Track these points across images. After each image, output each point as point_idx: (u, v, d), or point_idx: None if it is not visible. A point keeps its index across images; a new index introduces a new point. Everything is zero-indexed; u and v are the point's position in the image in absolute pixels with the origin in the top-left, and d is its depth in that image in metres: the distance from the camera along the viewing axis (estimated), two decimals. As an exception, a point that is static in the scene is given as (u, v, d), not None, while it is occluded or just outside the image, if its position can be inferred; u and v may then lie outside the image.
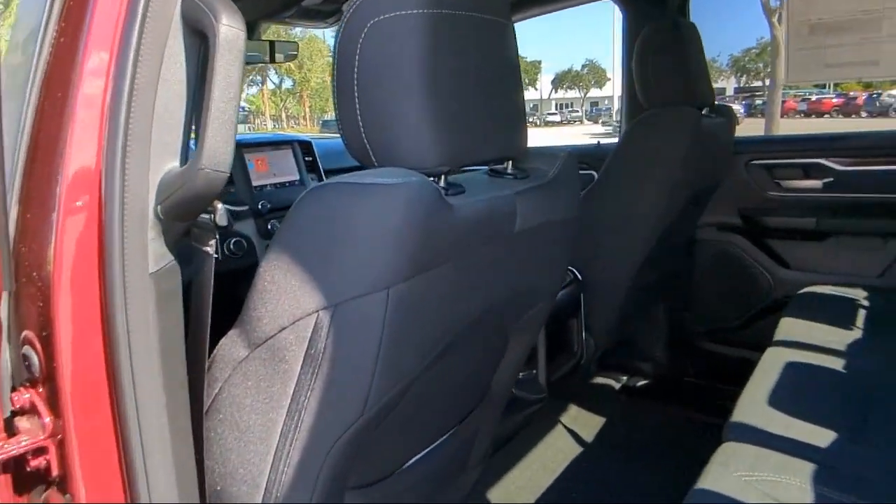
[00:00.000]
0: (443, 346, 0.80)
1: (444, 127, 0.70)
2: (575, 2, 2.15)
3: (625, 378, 2.08)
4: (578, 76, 37.09)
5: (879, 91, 21.40)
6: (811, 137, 1.98)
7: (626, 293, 1.63)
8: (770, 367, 1.26)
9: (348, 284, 0.65)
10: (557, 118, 35.43)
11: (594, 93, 37.86)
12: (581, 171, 2.23)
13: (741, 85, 30.06)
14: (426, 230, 0.66)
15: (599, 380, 2.06)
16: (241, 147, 1.65)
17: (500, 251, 0.82)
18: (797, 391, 1.16)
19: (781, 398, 1.13)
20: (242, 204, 1.58)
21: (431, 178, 0.69)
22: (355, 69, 0.69)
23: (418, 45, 0.68)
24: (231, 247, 1.56)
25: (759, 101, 23.18)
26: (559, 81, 38.36)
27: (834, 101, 22.77)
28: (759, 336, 1.91)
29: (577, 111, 37.39)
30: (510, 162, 0.88)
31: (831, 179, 1.84)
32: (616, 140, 1.84)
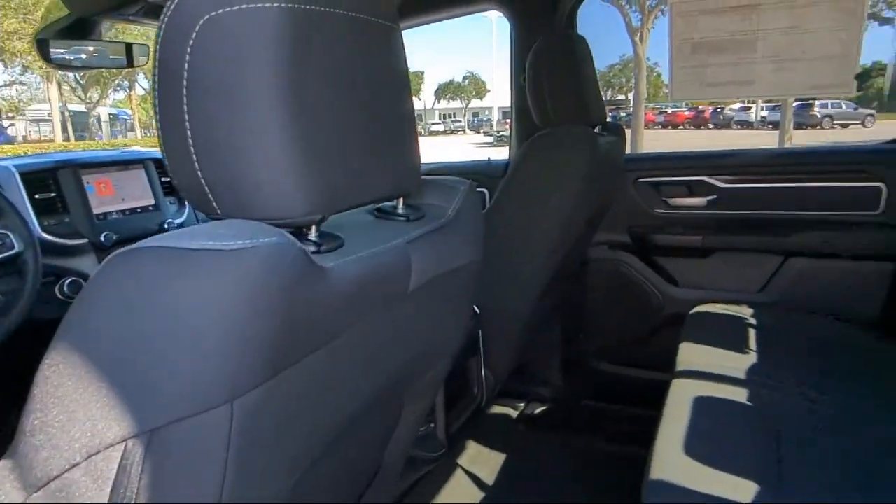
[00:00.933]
0: (321, 448, 0.60)
1: (314, 159, 0.51)
2: (459, 12, 2.00)
3: (522, 405, 1.95)
4: (460, 87, 37.70)
5: (722, 106, 23.37)
6: (696, 155, 1.96)
7: (525, 322, 1.50)
8: (679, 404, 1.16)
9: (170, 402, 0.43)
10: (441, 127, 35.74)
11: (475, 103, 38.64)
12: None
13: (607, 98, 31.89)
14: (287, 312, 0.46)
15: (496, 409, 1.92)
16: (78, 167, 1.34)
17: (391, 317, 0.63)
18: (711, 434, 1.06)
19: (697, 444, 1.02)
20: (79, 236, 1.28)
21: (299, 231, 0.50)
22: (184, 82, 0.48)
23: (276, 49, 0.48)
24: (65, 289, 1.27)
25: (623, 114, 24.64)
26: (442, 92, 38.80)
27: (686, 114, 24.62)
28: (652, 354, 1.85)
29: (460, 121, 37.96)
30: (401, 199, 0.69)
31: (715, 197, 1.81)
32: (501, 150, 1.70)
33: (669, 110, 24.93)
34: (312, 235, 0.54)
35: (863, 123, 19.35)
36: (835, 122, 19.28)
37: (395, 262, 0.61)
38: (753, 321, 1.55)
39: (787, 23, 1.73)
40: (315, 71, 0.51)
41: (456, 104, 39.52)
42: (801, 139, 14.88)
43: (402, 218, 0.68)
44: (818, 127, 19.04)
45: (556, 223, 1.40)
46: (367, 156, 0.58)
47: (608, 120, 1.67)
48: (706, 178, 1.82)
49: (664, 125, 24.43)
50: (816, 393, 1.18)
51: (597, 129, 1.56)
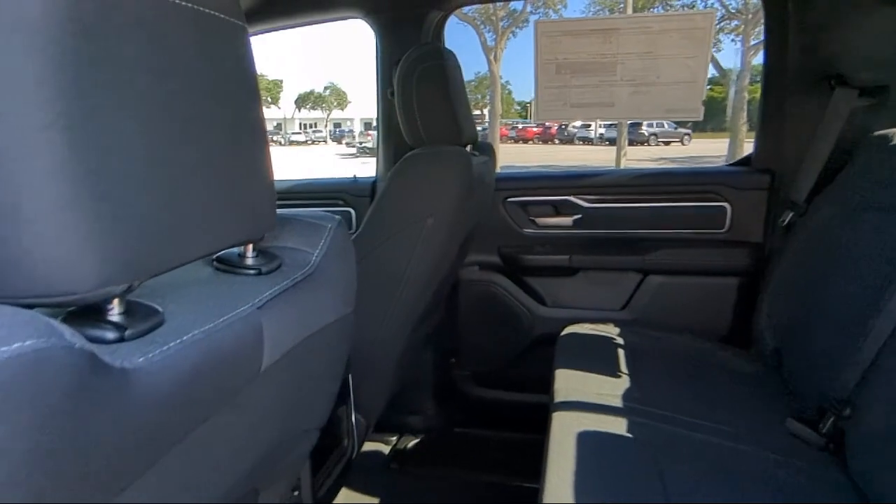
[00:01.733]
0: None
1: (112, 202, 0.33)
2: (318, 18, 1.82)
3: (394, 439, 1.79)
4: (321, 97, 36.84)
5: (566, 123, 24.97)
6: (562, 175, 1.92)
7: (399, 357, 1.34)
8: (563, 441, 1.07)
9: None
10: (302, 137, 34.64)
11: (337, 114, 37.96)
12: (338, 209, 1.91)
13: (464, 113, 32.76)
14: (65, 452, 0.27)
15: (368, 446, 1.75)
16: None
17: (238, 408, 0.45)
18: (598, 476, 0.97)
19: (585, 490, 0.93)
20: None
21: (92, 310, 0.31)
22: None
23: (47, 42, 0.31)
24: None
25: (479, 128, 25.43)
26: (302, 101, 37.67)
27: (535, 129, 25.95)
28: (524, 376, 1.78)
29: (321, 131, 37.04)
30: (250, 245, 0.50)
31: (580, 216, 1.78)
32: (367, 160, 1.54)
33: (520, 126, 26.13)
34: (114, 314, 0.35)
35: (681, 141, 21.58)
36: (659, 139, 21.32)
37: (241, 338, 0.43)
38: (620, 341, 1.53)
39: (643, 48, 1.74)
40: (113, 75, 0.32)
41: (317, 114, 38.61)
42: (634, 154, 16.23)
43: (251, 271, 0.50)
44: (646, 144, 20.95)
45: (432, 250, 1.26)
46: (201, 190, 0.40)
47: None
48: (572, 198, 1.79)
49: (516, 140, 25.56)
50: (689, 417, 1.16)
51: (469, 149, 1.45)
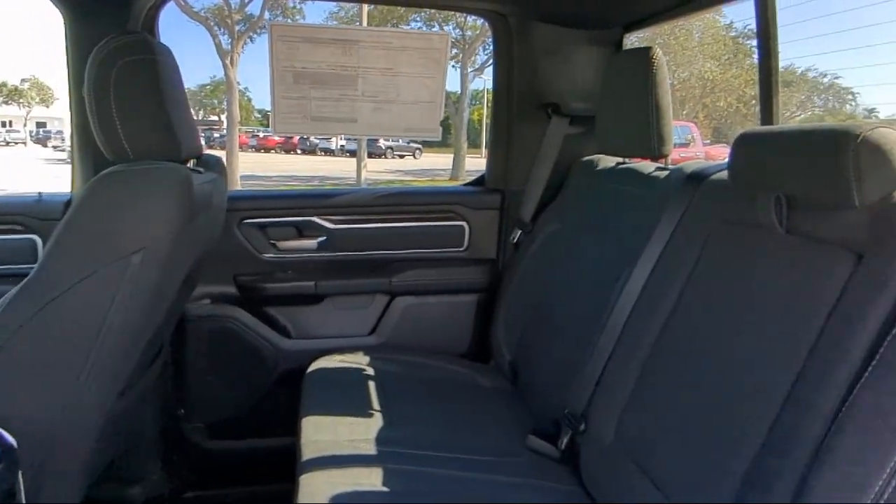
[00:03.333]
0: None
1: None
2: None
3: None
4: (17, 91, 30.18)
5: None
6: (304, 194, 1.73)
7: (101, 430, 1.00)
8: None
9: None
10: (-11, 138, 27.90)
11: (41, 112, 31.50)
12: (15, 237, 1.42)
13: (200, 118, 30.05)
14: None
15: None
16: None
17: None
18: None
19: None
20: None
21: None
22: None
23: None
24: None
25: (216, 135, 23.58)
26: (-10, 95, 30.47)
27: (276, 139, 25.01)
28: (268, 420, 1.54)
29: (19, 131, 30.18)
30: None
31: (325, 238, 1.61)
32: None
33: (261, 134, 24.95)
34: None
35: (413, 155, 22.89)
36: (395, 153, 22.31)
37: None
38: (370, 371, 1.41)
39: (384, 63, 1.64)
40: None
41: (15, 111, 31.66)
42: (374, 166, 16.66)
43: None
44: (384, 156, 21.73)
45: (143, 290, 0.95)
46: None
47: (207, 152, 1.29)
48: (316, 219, 1.60)
49: (257, 149, 24.34)
50: (434, 451, 1.08)
51: (191, 165, 1.16)
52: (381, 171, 15.55)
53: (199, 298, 1.50)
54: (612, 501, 0.94)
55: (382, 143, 21.71)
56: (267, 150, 24.31)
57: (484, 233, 1.70)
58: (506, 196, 1.70)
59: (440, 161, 18.93)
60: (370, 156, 19.66)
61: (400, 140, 21.94)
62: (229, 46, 12.38)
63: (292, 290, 1.57)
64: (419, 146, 23.44)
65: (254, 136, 24.74)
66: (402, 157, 22.50)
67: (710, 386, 0.82)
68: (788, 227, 0.79)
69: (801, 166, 0.76)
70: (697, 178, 1.05)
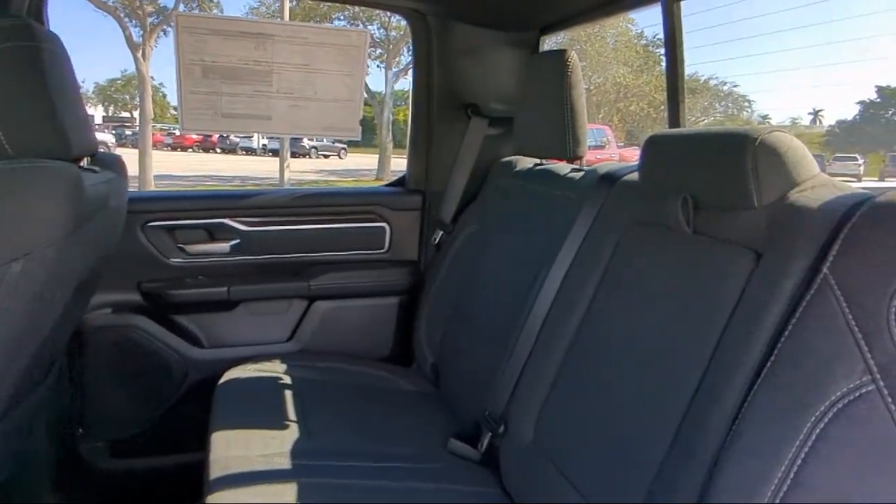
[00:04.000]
0: None
1: None
2: None
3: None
4: None
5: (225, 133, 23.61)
6: (215, 195, 1.63)
7: None
8: None
9: None
10: None
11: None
12: None
13: (109, 114, 28.07)
14: None
15: None
16: None
17: None
18: None
19: None
20: None
21: None
22: None
23: None
24: None
25: (129, 132, 22.19)
26: None
27: (194, 137, 23.87)
28: (178, 435, 1.44)
29: None
30: None
31: (238, 241, 1.52)
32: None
33: (178, 132, 23.73)
34: None
35: (339, 155, 22.52)
36: (320, 152, 21.85)
37: None
38: (287, 379, 1.34)
39: (300, 59, 1.57)
40: None
41: None
42: (297, 166, 16.22)
43: None
44: (308, 156, 21.23)
45: (25, 302, 0.85)
46: None
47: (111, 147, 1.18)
48: (227, 221, 1.51)
49: (174, 147, 23.14)
50: (354, 460, 1.04)
51: (85, 163, 1.06)
52: (305, 171, 15.17)
53: (98, 307, 1.38)
54: (530, 502, 0.93)
55: (306, 142, 21.22)
56: (184, 148, 23.15)
57: (405, 234, 1.67)
58: (427, 197, 1.67)
59: (365, 161, 18.71)
60: (294, 156, 19.15)
61: (324, 140, 21.51)
62: (141, 39, 11.67)
63: (203, 297, 1.47)
64: (344, 146, 23.07)
65: (169, 134, 23.52)
66: (326, 156, 22.08)
67: (622, 384, 0.83)
68: (695, 227, 0.80)
69: (704, 168, 0.78)
70: (610, 179, 1.07)
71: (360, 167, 17.84)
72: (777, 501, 0.56)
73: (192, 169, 14.76)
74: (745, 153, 0.71)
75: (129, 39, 11.55)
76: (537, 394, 0.98)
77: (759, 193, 0.71)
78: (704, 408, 0.68)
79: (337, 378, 1.38)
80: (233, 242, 1.52)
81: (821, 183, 0.72)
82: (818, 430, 0.55)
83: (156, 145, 22.45)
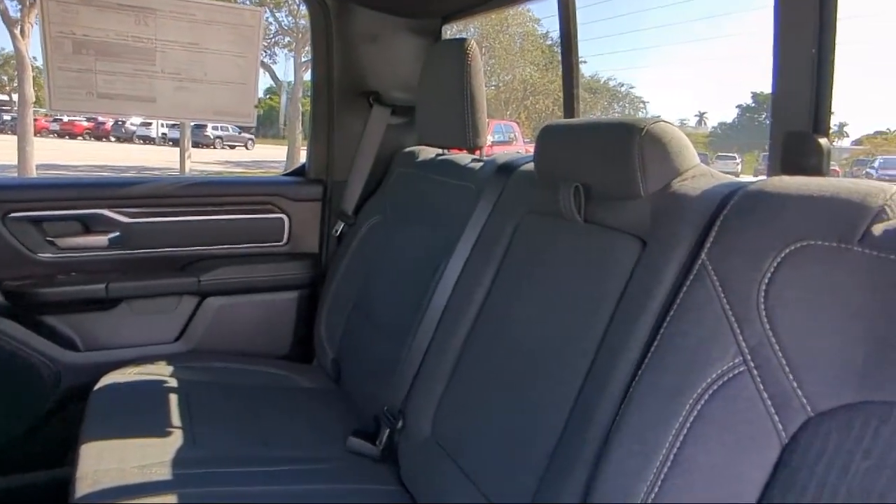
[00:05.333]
0: None
1: None
2: None
3: None
4: None
5: (123, 119, 21.92)
6: (90, 183, 1.47)
7: None
8: None
9: None
10: None
11: None
12: None
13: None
14: None
15: None
16: None
17: None
18: None
19: None
20: None
21: None
22: None
23: None
24: None
25: (7, 117, 20.08)
26: None
27: (85, 124, 21.98)
28: (48, 449, 1.29)
29: None
30: None
31: (118, 233, 1.39)
32: None
33: (66, 118, 21.78)
34: None
35: (245, 146, 21.56)
36: (225, 143, 20.80)
37: None
38: (173, 382, 1.23)
39: (188, 38, 1.45)
40: None
41: None
42: (200, 156, 15.37)
43: None
44: (212, 147, 20.15)
45: None
46: None
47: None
48: (105, 212, 1.37)
49: (61, 134, 21.20)
50: (245, 466, 0.97)
51: None
52: (208, 162, 14.38)
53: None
54: (429, 496, 0.90)
55: (211, 131, 20.14)
56: (73, 136, 21.30)
57: (306, 226, 1.59)
58: (328, 187, 1.60)
59: (274, 153, 18.03)
60: (197, 146, 18.12)
61: (230, 128, 20.51)
62: (19, 14, 10.54)
63: (77, 295, 1.33)
64: (251, 136, 22.12)
65: (55, 120, 21.53)
66: (232, 147, 21.08)
67: (516, 374, 0.82)
68: (586, 216, 0.81)
69: (594, 158, 0.78)
70: (508, 170, 1.06)
71: (269, 159, 17.17)
72: (659, 481, 0.56)
73: (80, 158, 13.57)
74: (632, 143, 0.72)
75: (3, 14, 10.41)
76: (435, 387, 0.96)
77: (645, 182, 0.72)
78: (592, 395, 0.68)
79: (229, 379, 1.29)
80: (112, 235, 1.38)
81: (701, 173, 0.73)
82: (696, 412, 0.56)
83: (40, 132, 20.48)
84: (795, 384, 0.51)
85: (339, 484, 0.95)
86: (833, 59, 0.71)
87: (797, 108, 0.75)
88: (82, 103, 1.41)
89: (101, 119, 21.81)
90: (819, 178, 0.60)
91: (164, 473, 0.90)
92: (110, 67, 1.41)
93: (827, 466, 0.48)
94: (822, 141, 0.72)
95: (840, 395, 0.49)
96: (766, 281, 0.55)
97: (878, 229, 0.50)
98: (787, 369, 0.52)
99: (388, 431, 1.02)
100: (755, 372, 0.54)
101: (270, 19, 14.89)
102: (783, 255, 0.54)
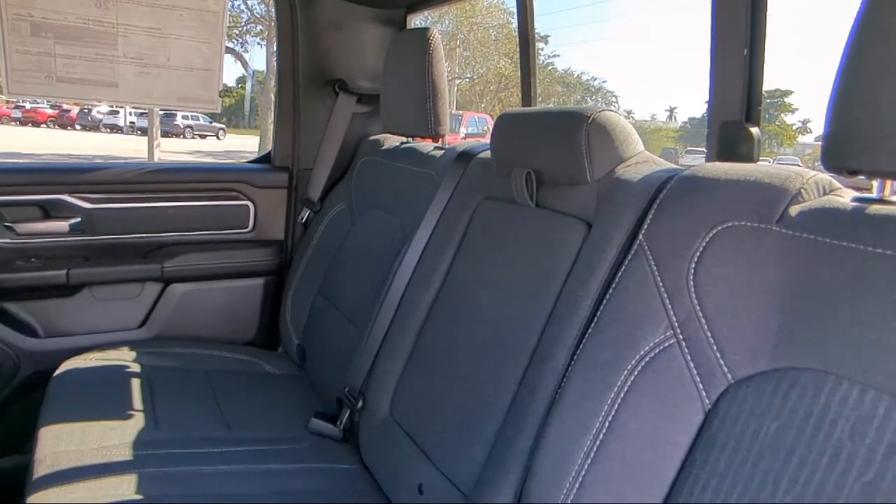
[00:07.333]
0: None
1: None
2: None
3: None
4: None
5: (90, 107, 21.30)
6: (51, 168, 1.45)
7: None
8: None
9: None
10: None
11: None
12: None
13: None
14: None
15: None
16: None
17: None
18: None
19: None
20: None
21: None
22: None
23: None
24: None
25: (-35, 103, 19.41)
26: None
27: (49, 112, 21.34)
28: (13, 436, 1.29)
29: None
30: None
31: (79, 219, 1.37)
32: None
33: (28, 105, 21.10)
34: None
35: (217, 136, 21.18)
36: (195, 132, 20.40)
37: None
38: (135, 368, 1.23)
39: (151, 22, 1.43)
40: None
41: None
42: (169, 146, 15.06)
43: None
44: (182, 136, 19.75)
45: None
46: None
47: None
48: (66, 198, 1.36)
49: (23, 122, 20.54)
50: (207, 447, 0.98)
51: None
52: (177, 152, 14.10)
53: None
54: (387, 473, 0.93)
55: (181, 120, 19.74)
56: (36, 124, 20.65)
57: (271, 213, 1.59)
58: (293, 174, 1.61)
59: (246, 143, 17.75)
60: (167, 135, 17.74)
61: (201, 118, 20.12)
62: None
63: (37, 281, 1.32)
64: (222, 126, 21.75)
65: (18, 108, 20.85)
66: (203, 136, 20.70)
67: (471, 353, 0.85)
68: (538, 200, 0.84)
69: (544, 145, 0.81)
70: (467, 157, 1.08)
71: (240, 149, 16.90)
72: (595, 446, 0.60)
73: (44, 146, 13.19)
74: (580, 131, 0.75)
75: (-39, -4, 10.02)
76: (394, 367, 0.98)
77: (591, 169, 0.75)
78: (539, 368, 0.71)
79: (193, 364, 1.29)
80: (73, 221, 1.37)
81: (643, 160, 0.77)
82: (630, 382, 0.59)
83: (2, 119, 19.82)
84: (718, 355, 0.55)
85: (300, 464, 0.97)
86: (763, 56, 0.77)
87: (731, 100, 0.79)
88: (41, 87, 1.38)
89: (65, 106, 21.19)
90: (747, 164, 0.64)
91: (125, 454, 0.91)
92: (70, 51, 1.39)
93: (743, 427, 0.52)
94: (754, 129, 0.77)
95: (756, 364, 0.53)
96: (696, 260, 0.58)
97: (794, 210, 0.54)
98: (711, 341, 0.56)
99: (348, 412, 1.05)
100: (684, 344, 0.57)
101: (242, 7, 14.64)
102: (711, 235, 0.58)
